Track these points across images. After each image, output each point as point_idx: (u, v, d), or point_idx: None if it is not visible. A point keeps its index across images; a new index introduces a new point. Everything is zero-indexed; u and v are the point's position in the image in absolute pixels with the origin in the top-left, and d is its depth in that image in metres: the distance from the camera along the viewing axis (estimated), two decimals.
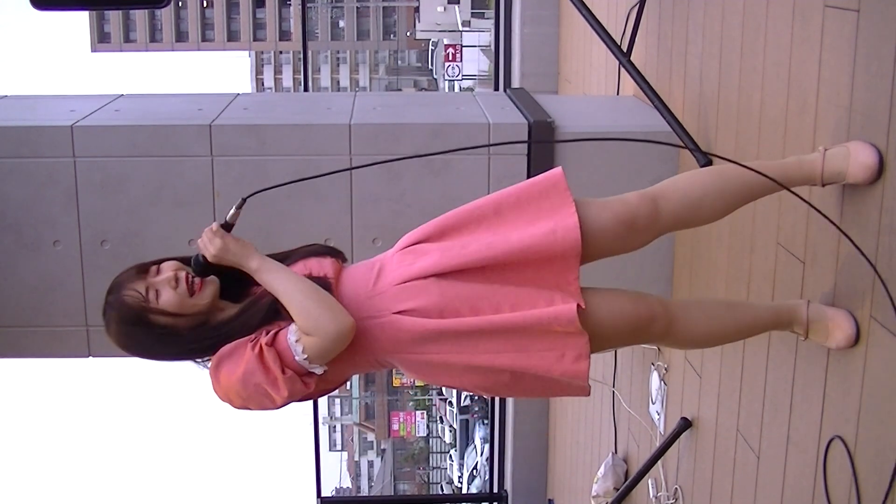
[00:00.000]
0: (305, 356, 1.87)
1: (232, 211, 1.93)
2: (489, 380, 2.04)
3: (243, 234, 2.17)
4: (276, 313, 1.92)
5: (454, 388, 2.15)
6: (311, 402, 5.79)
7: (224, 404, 1.99)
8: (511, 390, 2.10)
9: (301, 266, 2.04)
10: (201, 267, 1.94)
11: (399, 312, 1.98)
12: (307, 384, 1.92)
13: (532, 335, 1.98)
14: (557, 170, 2.11)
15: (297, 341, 1.87)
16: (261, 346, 1.88)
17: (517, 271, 2.02)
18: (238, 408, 1.96)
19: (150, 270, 1.98)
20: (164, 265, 1.98)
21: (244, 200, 1.93)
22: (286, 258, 2.08)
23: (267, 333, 1.91)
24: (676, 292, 3.48)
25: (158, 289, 1.94)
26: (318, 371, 1.91)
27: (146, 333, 1.97)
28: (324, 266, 2.04)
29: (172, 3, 31.10)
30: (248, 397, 1.92)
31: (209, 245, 1.91)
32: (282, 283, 1.90)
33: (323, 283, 1.96)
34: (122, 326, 1.97)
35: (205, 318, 1.97)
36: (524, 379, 2.04)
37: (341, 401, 42.36)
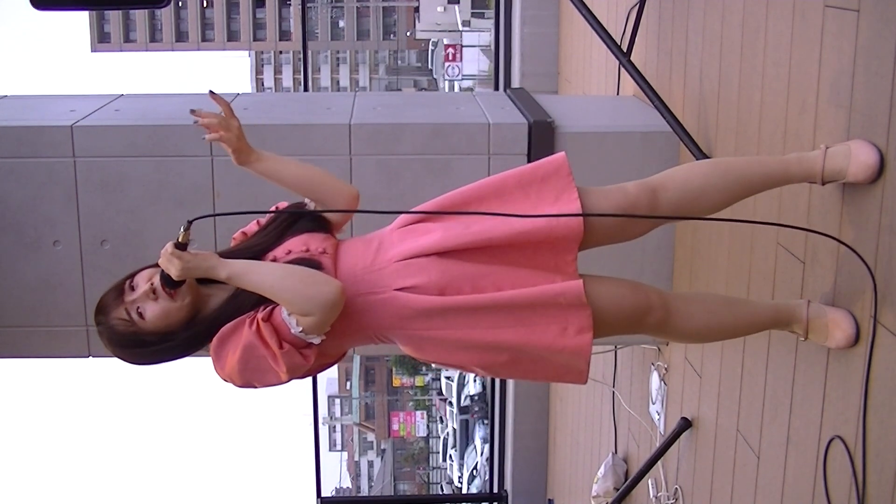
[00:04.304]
0: (301, 328, 1.87)
1: (181, 232, 1.87)
2: (487, 358, 2.04)
3: (246, 225, 2.18)
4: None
5: (452, 366, 2.13)
6: (311, 402, 5.80)
7: (226, 390, 2.00)
8: (509, 371, 2.10)
9: (298, 241, 2.04)
10: (171, 282, 1.90)
11: (400, 289, 1.98)
12: (306, 356, 1.90)
13: (535, 309, 1.99)
14: (561, 154, 2.11)
15: (290, 314, 1.87)
16: (258, 322, 1.88)
17: (517, 252, 2.02)
18: (241, 386, 1.95)
19: (125, 290, 1.95)
20: (138, 278, 1.95)
21: (190, 223, 1.87)
22: (280, 239, 2.06)
23: (263, 308, 1.90)
24: (676, 291, 3.48)
25: (140, 305, 1.92)
26: (317, 341, 1.90)
27: (144, 350, 1.97)
28: (321, 241, 2.04)
29: (172, 3, 31.10)
30: (250, 374, 1.92)
31: (169, 267, 1.86)
32: (257, 281, 1.88)
33: (309, 262, 1.96)
34: (119, 350, 1.97)
35: (195, 311, 1.96)
36: (523, 359, 2.04)
37: (341, 401, 42.38)
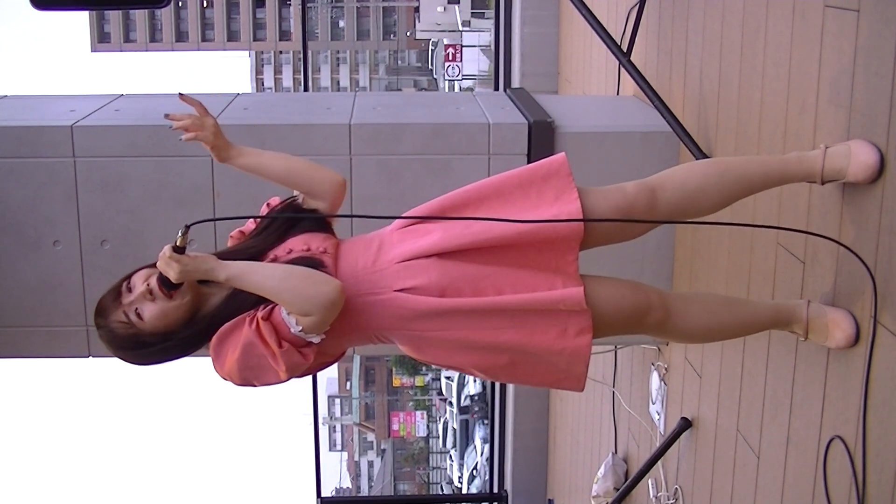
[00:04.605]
0: (300, 327, 1.87)
1: (179, 236, 1.87)
2: (487, 359, 2.04)
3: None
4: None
5: (451, 367, 2.14)
6: (311, 402, 5.80)
7: (226, 390, 2.00)
8: (507, 373, 2.10)
9: (299, 241, 2.03)
10: (170, 285, 1.90)
11: (400, 290, 1.98)
12: (305, 355, 1.91)
13: (535, 313, 1.99)
14: (561, 155, 2.11)
15: (289, 314, 1.87)
16: (257, 321, 1.88)
17: (518, 252, 2.03)
18: (239, 385, 1.96)
19: (122, 292, 1.94)
20: (134, 278, 1.95)
21: (188, 227, 1.87)
22: (281, 239, 2.05)
23: (264, 307, 1.90)
24: (676, 291, 3.48)
25: (138, 307, 1.92)
26: (316, 340, 1.91)
27: (145, 351, 1.97)
28: (322, 240, 2.04)
29: (172, 3, 31.11)
30: (249, 373, 1.92)
31: (168, 270, 1.86)
32: (257, 282, 1.88)
33: (311, 261, 1.96)
34: (120, 351, 1.97)
35: (194, 310, 1.96)
36: (522, 362, 2.04)
37: (341, 401, 42.38)
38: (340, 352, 2.10)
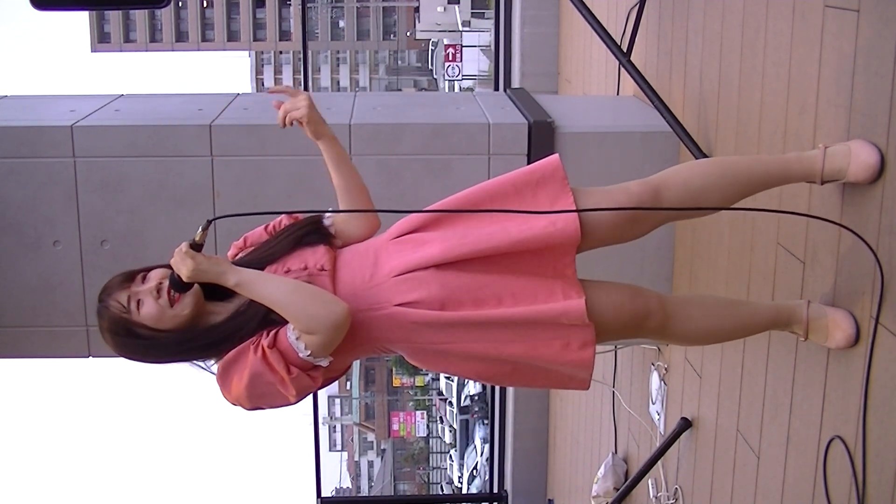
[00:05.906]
0: (309, 352, 1.86)
1: (199, 232, 1.86)
2: (490, 369, 2.05)
3: (244, 229, 2.17)
4: (271, 319, 1.90)
5: (455, 375, 2.16)
6: (311, 403, 5.80)
7: (235, 408, 1.97)
8: (512, 380, 2.10)
9: (296, 258, 2.02)
10: (179, 284, 1.89)
11: (400, 305, 1.97)
12: (314, 378, 1.90)
13: (537, 326, 1.99)
14: (554, 157, 2.10)
15: (297, 339, 1.86)
16: (263, 350, 1.87)
17: (516, 260, 2.02)
18: (250, 409, 1.96)
19: (136, 279, 1.94)
20: (152, 273, 1.94)
21: (209, 222, 1.86)
22: (277, 249, 2.05)
23: (267, 334, 1.89)
24: (676, 292, 3.47)
25: (141, 298, 1.91)
26: (325, 363, 1.90)
27: (133, 342, 1.95)
28: (318, 256, 2.02)
29: (172, 3, 31.09)
30: (259, 399, 1.92)
31: (181, 266, 1.85)
32: (266, 293, 1.87)
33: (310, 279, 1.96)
34: (110, 335, 1.96)
35: (191, 325, 1.94)
36: (525, 370, 2.04)
37: (341, 401, 42.38)
38: (346, 367, 2.09)
